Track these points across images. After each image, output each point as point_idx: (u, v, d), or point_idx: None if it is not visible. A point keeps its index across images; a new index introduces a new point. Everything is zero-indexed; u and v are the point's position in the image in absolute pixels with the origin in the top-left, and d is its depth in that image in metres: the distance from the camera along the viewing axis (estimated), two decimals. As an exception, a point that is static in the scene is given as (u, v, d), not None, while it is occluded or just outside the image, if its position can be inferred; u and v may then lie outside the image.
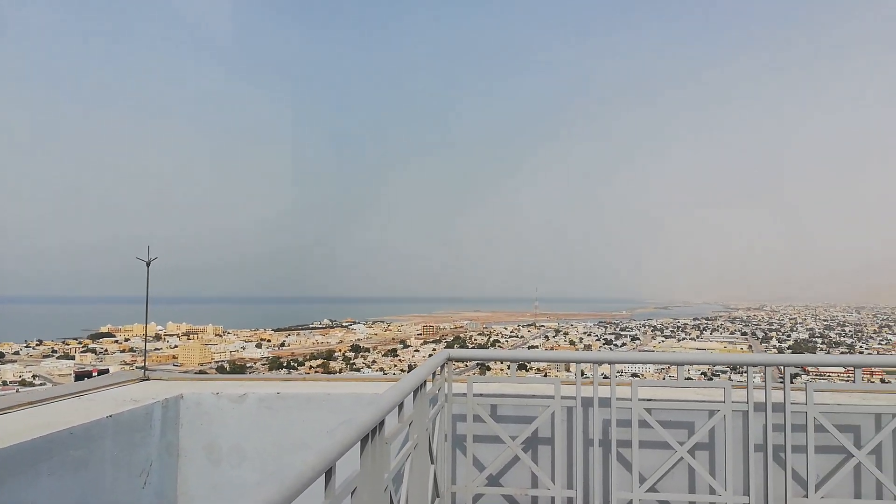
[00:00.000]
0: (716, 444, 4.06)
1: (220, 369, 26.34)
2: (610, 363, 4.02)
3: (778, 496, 3.88)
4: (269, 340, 31.15)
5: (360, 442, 2.13)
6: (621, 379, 4.02)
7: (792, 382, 3.96)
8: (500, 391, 4.29)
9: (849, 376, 4.60)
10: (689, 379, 4.03)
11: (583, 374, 3.99)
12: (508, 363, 4.36)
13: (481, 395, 4.20)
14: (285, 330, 33.01)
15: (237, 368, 26.83)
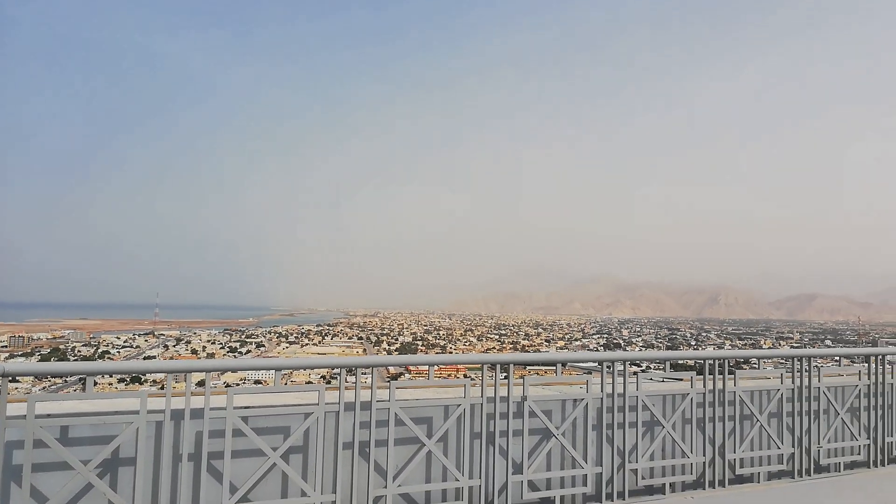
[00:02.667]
0: (310, 446, 4.17)
1: None
2: (205, 371, 3.82)
3: (361, 490, 4.17)
4: None
5: None
6: (216, 388, 3.85)
7: (396, 380, 4.34)
8: (74, 409, 3.71)
9: (440, 375, 5.24)
10: (293, 383, 4.06)
11: (201, 384, 3.71)
12: (118, 375, 3.80)
13: (48, 415, 3.57)
14: None
15: None
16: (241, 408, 3.89)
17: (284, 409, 4.09)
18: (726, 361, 5.44)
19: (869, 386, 6.13)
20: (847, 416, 5.99)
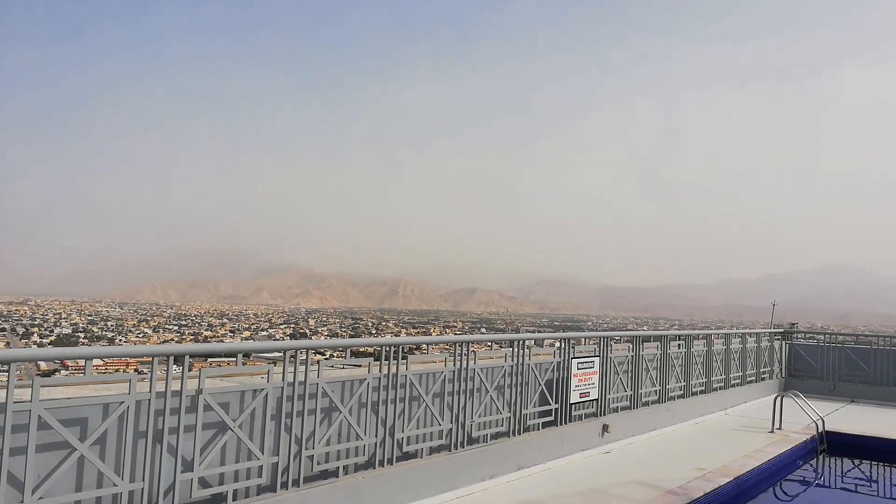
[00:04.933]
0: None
1: None
2: None
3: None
4: None
5: None
6: None
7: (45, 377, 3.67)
8: None
9: (107, 369, 4.61)
10: None
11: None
12: None
13: None
14: None
15: None
16: None
17: None
18: (400, 348, 5.87)
19: (512, 366, 7.20)
20: (495, 392, 6.95)
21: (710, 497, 6.71)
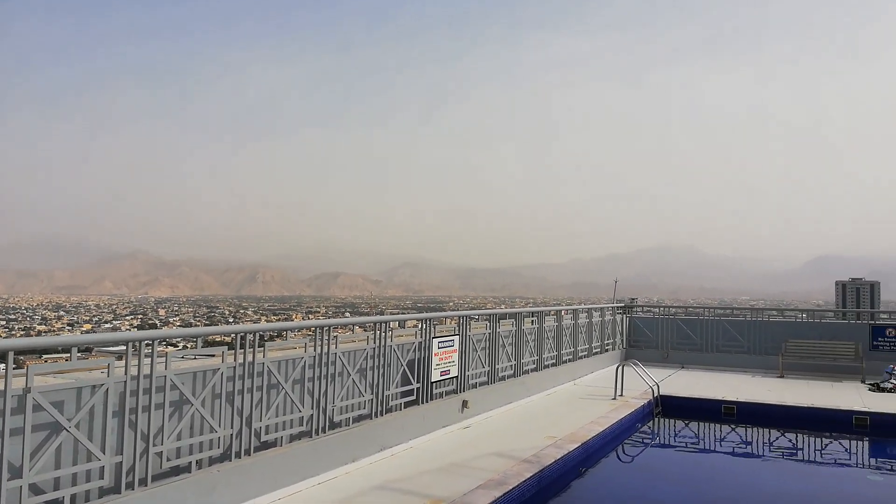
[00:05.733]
0: None
1: None
2: None
3: None
4: None
5: None
6: None
7: None
8: None
9: None
10: None
11: None
12: None
13: None
14: None
15: None
16: None
17: None
18: (256, 335, 5.66)
19: (374, 349, 7.21)
20: (357, 376, 6.93)
21: (560, 462, 7.17)
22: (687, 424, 11.09)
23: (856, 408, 10.42)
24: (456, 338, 8.74)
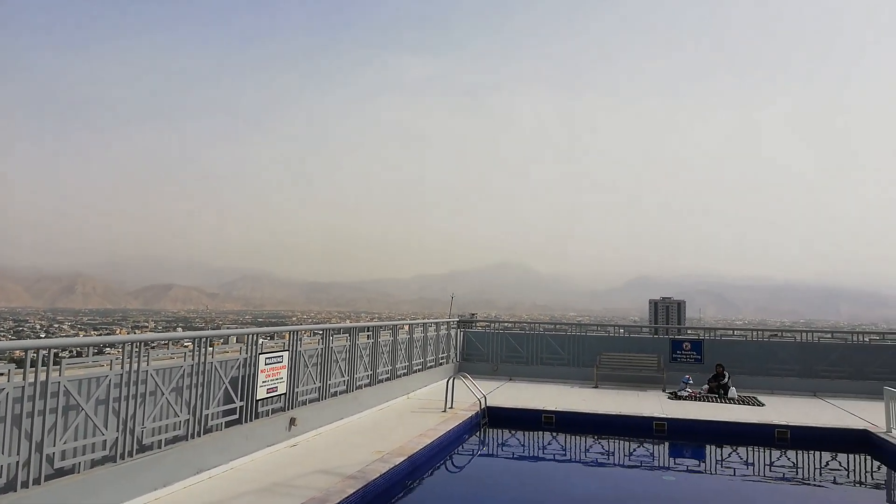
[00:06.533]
0: None
1: None
2: None
3: None
4: None
5: None
6: None
7: None
8: None
9: None
10: None
11: None
12: None
13: None
14: None
15: None
16: None
17: None
18: (51, 351, 5.15)
19: (192, 366, 6.84)
20: (172, 395, 6.53)
21: (386, 477, 7.23)
22: (513, 434, 11.68)
23: (656, 414, 11.59)
24: (285, 353, 8.54)
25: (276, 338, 8.86)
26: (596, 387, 15.12)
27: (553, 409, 11.87)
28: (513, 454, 10.68)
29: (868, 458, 10.14)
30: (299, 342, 8.96)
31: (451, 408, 11.43)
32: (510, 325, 18.31)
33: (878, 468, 9.78)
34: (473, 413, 11.28)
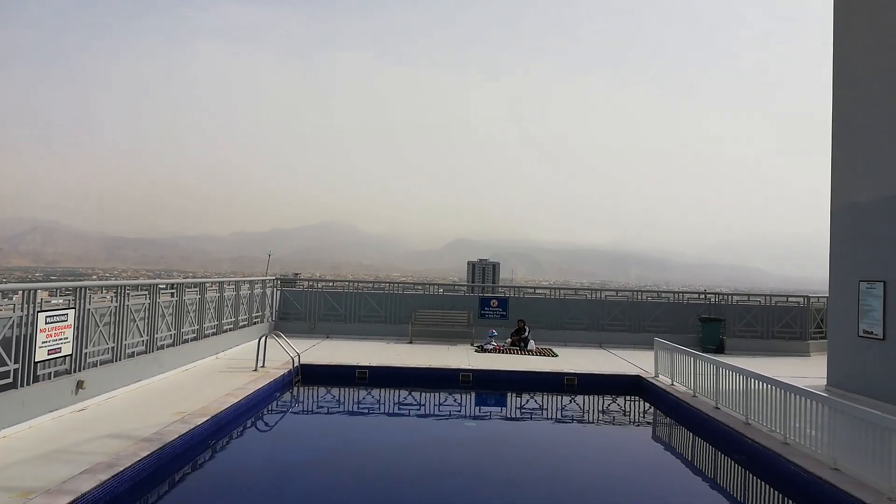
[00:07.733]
0: None
1: None
2: None
3: None
4: None
5: None
6: None
7: None
8: None
9: None
10: None
11: None
12: None
13: None
14: None
15: None
16: None
17: None
18: None
19: None
20: None
21: (185, 438, 6.95)
22: (328, 391, 11.74)
23: (462, 366, 12.30)
24: (71, 311, 7.78)
25: (60, 295, 8.00)
26: (410, 342, 15.65)
27: (367, 364, 12.12)
28: (326, 410, 10.76)
29: (640, 400, 11.65)
30: (88, 300, 8.19)
31: (263, 367, 11.20)
32: (331, 283, 18.22)
33: (648, 408, 11.29)
34: (286, 371, 11.15)
